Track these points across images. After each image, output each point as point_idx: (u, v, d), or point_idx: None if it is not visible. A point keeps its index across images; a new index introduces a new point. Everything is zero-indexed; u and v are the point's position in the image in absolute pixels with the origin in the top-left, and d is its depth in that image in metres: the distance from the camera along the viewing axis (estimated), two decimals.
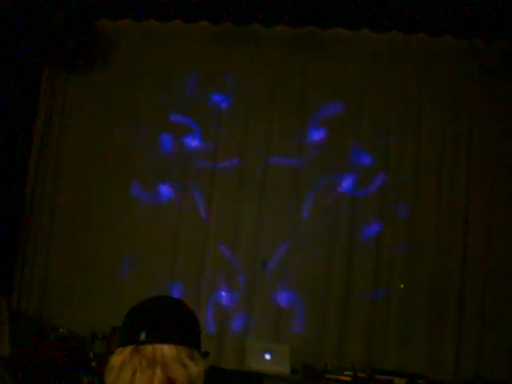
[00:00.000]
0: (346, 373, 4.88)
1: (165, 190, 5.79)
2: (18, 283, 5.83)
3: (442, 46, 5.53)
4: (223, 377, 4.78)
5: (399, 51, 5.61)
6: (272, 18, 5.60)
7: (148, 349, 1.44)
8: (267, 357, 4.87)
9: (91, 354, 4.89)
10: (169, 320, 1.49)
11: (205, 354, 1.54)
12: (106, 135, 5.92)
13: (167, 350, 1.44)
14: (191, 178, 5.79)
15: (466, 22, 5.24)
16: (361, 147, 5.60)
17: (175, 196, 5.79)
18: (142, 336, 1.44)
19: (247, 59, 5.81)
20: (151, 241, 5.72)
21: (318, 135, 5.68)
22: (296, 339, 5.30)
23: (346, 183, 5.58)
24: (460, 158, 5.45)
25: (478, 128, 5.46)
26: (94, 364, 4.83)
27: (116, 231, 5.79)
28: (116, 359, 1.46)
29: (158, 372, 1.42)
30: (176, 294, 5.33)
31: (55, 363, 4.82)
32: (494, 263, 5.27)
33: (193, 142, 5.83)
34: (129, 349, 1.45)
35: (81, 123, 5.98)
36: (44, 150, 6.01)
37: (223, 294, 5.58)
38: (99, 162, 5.90)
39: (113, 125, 5.93)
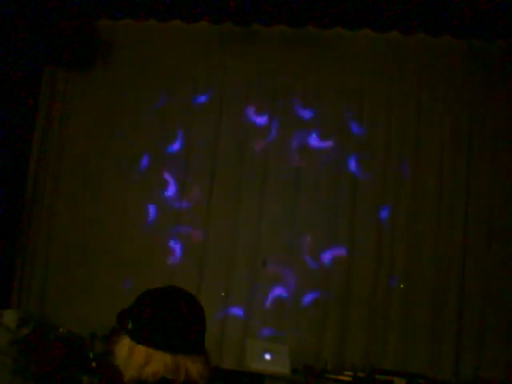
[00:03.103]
0: (345, 373, 4.88)
1: (165, 190, 5.79)
2: (18, 283, 5.83)
3: (441, 45, 5.53)
4: (223, 377, 4.77)
5: (399, 51, 5.61)
6: (272, 18, 5.60)
7: (180, 358, 1.53)
8: (267, 357, 4.86)
9: (91, 354, 4.89)
10: (199, 332, 1.58)
11: None
12: (106, 135, 5.92)
13: (197, 361, 1.54)
14: (192, 177, 5.79)
15: (466, 22, 5.24)
16: (360, 146, 5.61)
17: (175, 196, 5.79)
18: (177, 350, 1.52)
19: (247, 59, 5.81)
20: (151, 241, 5.73)
21: (318, 135, 5.68)
22: (296, 339, 5.30)
23: (346, 181, 5.59)
24: (460, 157, 5.45)
25: (478, 128, 5.46)
26: (94, 364, 4.82)
27: (116, 231, 5.79)
28: (139, 356, 1.52)
29: (183, 375, 1.52)
30: None
31: (55, 363, 4.81)
32: (494, 263, 5.27)
33: (192, 142, 5.83)
34: (158, 353, 1.51)
35: (81, 123, 5.99)
36: (44, 150, 6.01)
37: (223, 294, 5.58)
38: (99, 163, 5.91)
39: (113, 125, 5.93)
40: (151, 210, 5.78)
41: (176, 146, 5.85)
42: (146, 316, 1.55)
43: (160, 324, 1.54)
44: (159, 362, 1.50)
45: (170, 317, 1.54)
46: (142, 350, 1.52)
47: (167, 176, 5.82)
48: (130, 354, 1.54)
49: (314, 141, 5.67)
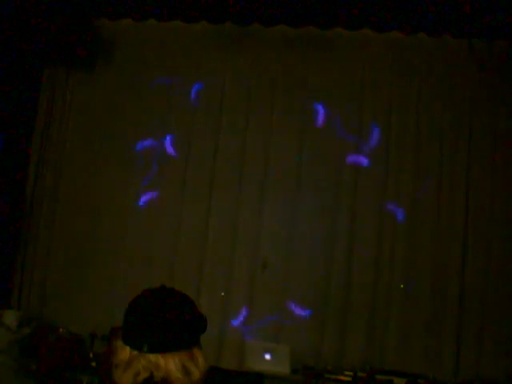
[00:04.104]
0: (346, 373, 4.88)
1: (165, 189, 5.79)
2: (18, 283, 5.83)
3: (441, 46, 5.53)
4: (223, 377, 4.77)
5: (399, 51, 5.61)
6: (272, 18, 5.60)
7: (152, 357, 1.49)
8: (267, 357, 4.87)
9: (91, 354, 4.89)
10: (170, 328, 1.51)
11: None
12: (106, 135, 5.93)
13: (170, 360, 1.49)
14: (191, 177, 5.79)
15: (466, 22, 5.24)
16: (360, 146, 5.61)
17: (176, 196, 5.79)
18: (145, 348, 1.49)
19: (247, 59, 5.81)
20: (151, 241, 5.73)
21: (317, 135, 5.68)
22: (296, 339, 5.30)
23: (346, 182, 5.59)
24: (460, 157, 5.45)
25: (478, 128, 5.46)
26: (93, 364, 4.82)
27: (116, 231, 5.79)
28: (122, 356, 1.51)
29: (163, 376, 1.48)
30: None
31: (55, 363, 4.81)
32: (494, 263, 5.27)
33: (193, 142, 5.83)
34: (134, 352, 1.50)
35: (81, 123, 5.99)
36: (44, 149, 6.01)
37: (223, 294, 5.58)
38: (99, 162, 5.91)
39: (113, 124, 5.93)
40: (152, 210, 5.78)
41: (176, 146, 5.84)
42: (124, 315, 1.56)
43: (128, 322, 1.54)
44: (137, 364, 1.49)
45: (135, 315, 1.53)
46: (126, 351, 1.52)
47: (167, 176, 5.82)
48: (118, 353, 1.53)
49: (313, 140, 5.68)
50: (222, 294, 5.58)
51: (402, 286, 5.36)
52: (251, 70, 5.81)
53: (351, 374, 4.84)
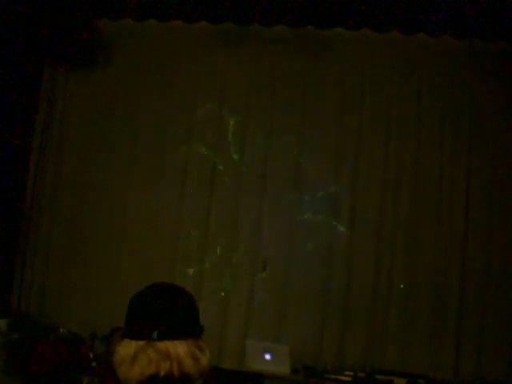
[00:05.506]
0: (346, 373, 4.88)
1: (165, 189, 5.79)
2: (18, 283, 5.83)
3: (441, 46, 5.53)
4: (223, 377, 4.77)
5: (399, 51, 5.61)
6: (272, 18, 5.60)
7: (161, 345, 1.49)
8: (267, 357, 4.86)
9: (91, 354, 4.89)
10: (178, 316, 1.53)
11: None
12: (106, 135, 5.93)
13: (179, 346, 1.50)
14: (191, 178, 5.79)
15: (466, 22, 5.24)
16: (360, 146, 5.61)
17: (175, 196, 5.79)
18: (155, 335, 1.49)
19: (247, 59, 5.81)
20: (151, 241, 5.73)
21: (317, 134, 5.68)
22: (296, 339, 5.30)
23: (346, 181, 5.59)
24: (460, 157, 5.45)
25: (478, 128, 5.46)
26: (93, 364, 4.82)
27: (116, 231, 5.80)
28: (127, 351, 1.50)
29: (174, 365, 1.48)
30: None
31: (55, 363, 4.81)
32: (494, 263, 5.27)
33: (192, 142, 5.83)
34: (141, 343, 1.49)
35: (81, 123, 5.99)
36: (44, 149, 6.01)
37: (223, 294, 5.58)
38: (99, 162, 5.91)
39: (113, 124, 5.93)
40: (151, 210, 5.77)
41: (176, 146, 5.84)
42: (127, 311, 1.57)
43: (133, 315, 1.54)
44: (143, 356, 1.48)
45: (141, 307, 1.55)
46: (131, 345, 1.51)
47: (167, 176, 5.82)
48: (121, 351, 1.52)
49: (313, 140, 5.68)
50: (222, 293, 5.58)
51: (402, 286, 5.36)
52: (251, 70, 5.81)
53: (351, 373, 4.84)
